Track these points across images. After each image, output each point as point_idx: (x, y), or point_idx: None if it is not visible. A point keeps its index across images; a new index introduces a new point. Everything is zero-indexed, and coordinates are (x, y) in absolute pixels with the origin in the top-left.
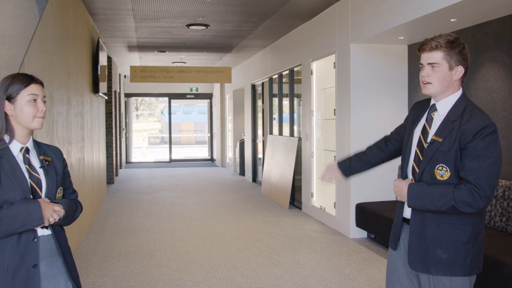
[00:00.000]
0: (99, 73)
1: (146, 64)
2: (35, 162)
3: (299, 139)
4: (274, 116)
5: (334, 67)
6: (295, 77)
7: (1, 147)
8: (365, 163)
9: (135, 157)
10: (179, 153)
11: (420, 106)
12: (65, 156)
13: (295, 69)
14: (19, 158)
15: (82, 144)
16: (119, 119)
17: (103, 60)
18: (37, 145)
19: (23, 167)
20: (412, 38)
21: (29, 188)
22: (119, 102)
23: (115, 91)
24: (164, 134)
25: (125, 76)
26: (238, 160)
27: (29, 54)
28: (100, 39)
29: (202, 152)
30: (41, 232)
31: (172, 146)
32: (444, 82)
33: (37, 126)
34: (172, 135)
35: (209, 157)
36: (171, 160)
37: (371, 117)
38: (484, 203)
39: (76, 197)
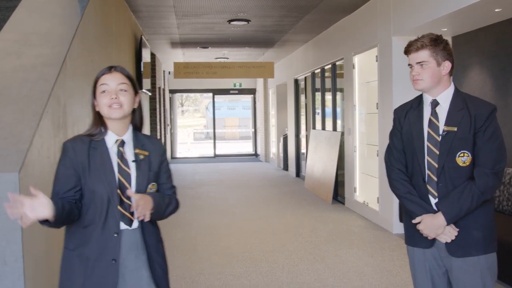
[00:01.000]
0: (142, 69)
1: (189, 60)
2: (130, 155)
3: (342, 133)
4: (317, 110)
5: (376, 61)
6: (337, 71)
7: (97, 139)
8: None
9: (180, 153)
10: (223, 148)
11: (407, 109)
12: None
13: (337, 63)
14: (114, 150)
15: None
16: (164, 115)
17: (146, 57)
18: (137, 137)
19: (114, 160)
20: (456, 30)
21: (116, 182)
22: (164, 98)
23: (159, 88)
24: (209, 129)
25: (169, 73)
26: (281, 155)
27: (71, 52)
28: (143, 36)
29: (246, 147)
30: (124, 226)
31: (217, 141)
32: (434, 78)
33: (113, 115)
34: (217, 131)
35: (253, 152)
36: (215, 155)
37: None
38: (501, 177)
39: (173, 193)
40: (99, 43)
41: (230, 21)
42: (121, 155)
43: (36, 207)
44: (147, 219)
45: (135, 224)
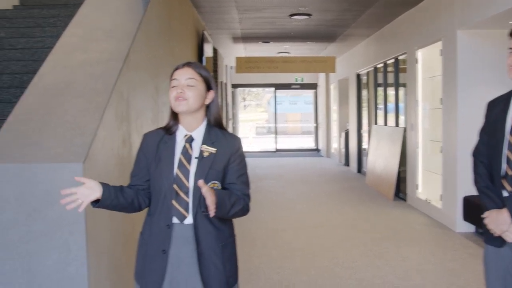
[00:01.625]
0: (204, 64)
1: (251, 55)
2: (196, 151)
3: (404, 129)
4: (379, 106)
5: (441, 55)
6: (400, 66)
7: (169, 133)
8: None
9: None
10: (285, 143)
11: (498, 101)
12: None
13: (399, 57)
14: (181, 145)
15: None
16: (226, 109)
17: (208, 52)
18: (209, 133)
19: (177, 156)
20: None
21: (173, 178)
22: (226, 92)
23: (221, 82)
24: (270, 124)
25: (231, 67)
26: (343, 150)
27: (134, 46)
28: (205, 31)
29: (308, 142)
30: (177, 220)
31: (279, 136)
32: None
33: (178, 108)
34: (279, 125)
35: (315, 147)
36: (276, 150)
37: (479, 107)
38: None
39: (242, 194)
40: (162, 37)
41: (291, 15)
42: (185, 151)
43: (85, 192)
44: (212, 214)
45: (189, 220)
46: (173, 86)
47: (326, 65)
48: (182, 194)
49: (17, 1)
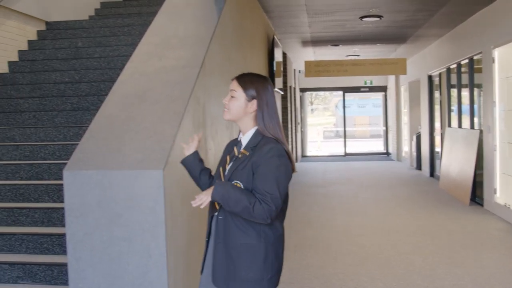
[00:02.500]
0: (274, 69)
1: (320, 58)
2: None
3: (480, 131)
4: (452, 108)
5: None
6: (475, 66)
7: (239, 138)
8: None
9: (310, 151)
10: (353, 146)
11: None
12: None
13: (474, 57)
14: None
15: None
16: (295, 113)
17: (278, 56)
18: (255, 140)
19: (225, 158)
20: None
21: (218, 174)
22: (294, 97)
23: (290, 86)
24: (338, 128)
25: (299, 71)
26: (414, 154)
27: (209, 53)
28: (275, 36)
29: (377, 145)
30: (216, 212)
31: (347, 139)
32: None
33: (223, 117)
34: (347, 129)
35: (384, 151)
36: (345, 154)
37: None
38: None
39: (260, 198)
40: (235, 44)
41: (362, 17)
42: (232, 152)
43: (189, 146)
44: (195, 204)
45: (221, 214)
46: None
47: (397, 67)
48: None
49: (93, 11)
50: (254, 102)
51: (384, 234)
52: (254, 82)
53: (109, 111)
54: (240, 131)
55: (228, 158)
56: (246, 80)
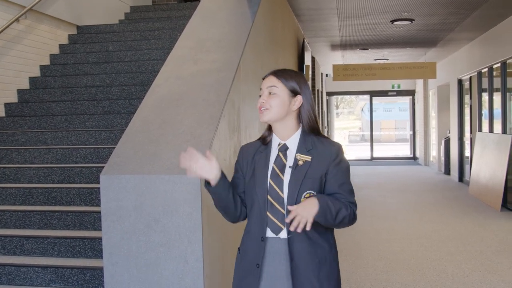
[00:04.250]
0: (304, 73)
1: (348, 62)
2: (290, 160)
3: None
4: (483, 112)
5: None
6: (507, 70)
7: (265, 142)
8: None
9: None
10: (379, 151)
11: None
12: None
13: (508, 61)
14: (275, 155)
15: None
16: (322, 117)
17: (307, 60)
18: (305, 141)
19: (271, 165)
20: None
21: (266, 188)
22: (322, 101)
23: (318, 90)
24: (364, 132)
25: (326, 75)
26: (443, 158)
27: (244, 57)
28: (305, 40)
29: (403, 150)
30: (271, 234)
31: (374, 144)
32: None
33: (261, 118)
34: (374, 133)
35: (411, 155)
36: (372, 158)
37: None
38: None
39: (347, 202)
40: (268, 47)
41: (393, 21)
42: (279, 160)
43: (205, 167)
44: (299, 230)
45: (283, 234)
46: (260, 96)
47: (426, 71)
48: (277, 205)
49: (123, 15)
50: (299, 97)
51: (414, 240)
52: (294, 76)
53: (145, 115)
54: (268, 134)
55: (275, 167)
56: (286, 74)
